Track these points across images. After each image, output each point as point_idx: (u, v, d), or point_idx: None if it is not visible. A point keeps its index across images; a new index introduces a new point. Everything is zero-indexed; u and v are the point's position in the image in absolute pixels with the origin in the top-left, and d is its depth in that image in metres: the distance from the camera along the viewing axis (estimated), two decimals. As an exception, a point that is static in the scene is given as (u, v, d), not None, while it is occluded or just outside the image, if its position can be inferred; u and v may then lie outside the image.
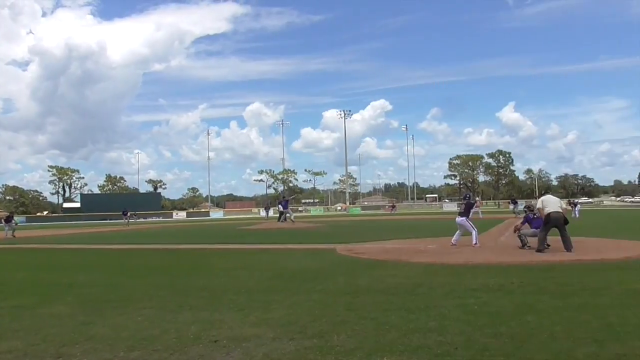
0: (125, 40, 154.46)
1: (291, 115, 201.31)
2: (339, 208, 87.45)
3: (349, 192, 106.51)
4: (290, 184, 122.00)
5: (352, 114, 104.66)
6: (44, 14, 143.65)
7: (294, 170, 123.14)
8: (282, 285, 8.61)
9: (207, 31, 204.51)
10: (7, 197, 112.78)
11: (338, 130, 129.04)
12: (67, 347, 5.11)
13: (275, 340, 5.08)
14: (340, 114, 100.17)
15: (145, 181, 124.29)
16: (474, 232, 13.71)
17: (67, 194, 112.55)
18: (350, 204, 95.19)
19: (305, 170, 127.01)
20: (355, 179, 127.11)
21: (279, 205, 29.79)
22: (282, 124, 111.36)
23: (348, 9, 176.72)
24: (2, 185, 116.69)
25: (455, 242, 13.88)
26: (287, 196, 28.96)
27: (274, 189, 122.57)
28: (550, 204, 12.20)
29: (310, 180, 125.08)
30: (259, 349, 4.80)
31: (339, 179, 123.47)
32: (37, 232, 36.24)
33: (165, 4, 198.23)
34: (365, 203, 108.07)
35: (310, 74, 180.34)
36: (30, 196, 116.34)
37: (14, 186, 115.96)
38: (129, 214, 48.27)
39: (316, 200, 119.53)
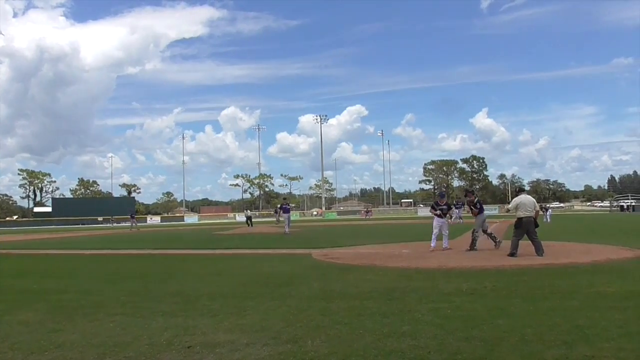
0: (99, 42, 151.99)
1: (267, 120, 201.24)
2: (315, 213, 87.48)
3: (325, 197, 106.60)
4: (266, 189, 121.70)
5: (328, 119, 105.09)
6: (15, 15, 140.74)
7: (270, 175, 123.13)
8: (257, 291, 8.57)
9: (183, 34, 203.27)
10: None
11: (314, 135, 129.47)
12: (36, 354, 5.00)
13: (249, 346, 5.05)
14: (317, 119, 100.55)
15: (119, 185, 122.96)
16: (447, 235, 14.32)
17: (38, 198, 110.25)
18: (326, 208, 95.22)
19: (282, 175, 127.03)
20: (332, 183, 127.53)
21: (280, 210, 30.26)
22: (259, 128, 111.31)
23: (324, 15, 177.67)
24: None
25: (447, 246, 14.54)
26: (286, 204, 29.14)
27: (250, 193, 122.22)
28: (525, 206, 12.19)
29: (286, 185, 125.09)
30: (232, 355, 4.77)
31: (315, 184, 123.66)
32: (7, 237, 35.35)
33: (140, 6, 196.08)
34: (341, 208, 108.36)
35: (286, 78, 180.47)
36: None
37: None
38: (135, 217, 47.88)
39: (292, 205, 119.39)
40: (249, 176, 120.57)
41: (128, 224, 47.82)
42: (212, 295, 8.21)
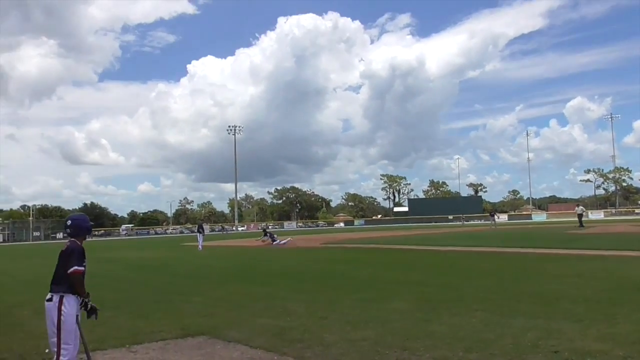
0: (442, 52, 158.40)
1: (620, 107, 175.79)
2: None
3: None
4: (624, 184, 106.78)
5: None
6: (371, 42, 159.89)
7: (627, 168, 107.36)
8: (626, 297, 7.68)
9: (522, 30, 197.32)
10: (349, 203, 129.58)
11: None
12: (411, 341, 5.61)
13: (627, 359, 4.57)
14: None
15: (466, 185, 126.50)
16: None
17: (396, 199, 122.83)
18: None
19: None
20: None
21: None
22: (611, 117, 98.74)
23: None
24: (345, 193, 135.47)
25: None
26: None
27: (604, 189, 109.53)
28: None
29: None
30: (606, 367, 4.40)
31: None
32: (374, 233, 40.57)
33: (478, 11, 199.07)
34: None
35: None
36: (367, 202, 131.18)
37: (354, 194, 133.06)
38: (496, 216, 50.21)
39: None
40: (602, 170, 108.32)
41: (485, 221, 49.14)
42: (573, 298, 7.74)
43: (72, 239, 4.47)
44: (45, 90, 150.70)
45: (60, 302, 4.22)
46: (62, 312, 4.20)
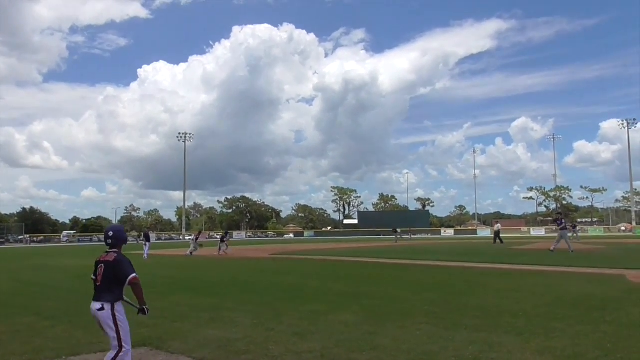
0: (394, 69, 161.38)
1: (562, 129, 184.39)
2: (623, 229, 76.67)
3: (635, 211, 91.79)
4: (564, 202, 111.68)
5: (636, 123, 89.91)
6: (326, 55, 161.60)
7: (567, 187, 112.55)
8: (564, 312, 7.97)
9: (471, 50, 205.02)
10: (300, 215, 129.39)
11: (619, 141, 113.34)
12: (356, 353, 5.64)
13: (561, 371, 4.74)
14: (622, 124, 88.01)
15: (414, 199, 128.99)
16: None
17: (346, 211, 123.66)
18: (636, 224, 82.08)
19: (581, 187, 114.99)
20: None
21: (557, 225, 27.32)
22: (553, 138, 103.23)
23: (627, 9, 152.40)
24: (296, 204, 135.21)
25: None
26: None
27: (545, 206, 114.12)
28: None
29: (587, 197, 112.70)
30: (543, 379, 4.55)
31: (622, 196, 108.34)
32: (323, 245, 40.63)
33: (430, 30, 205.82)
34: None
35: (583, 82, 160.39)
36: (317, 213, 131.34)
37: (304, 205, 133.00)
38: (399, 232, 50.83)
39: (594, 220, 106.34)
40: (544, 189, 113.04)
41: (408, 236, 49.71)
42: (514, 312, 7.98)
43: (114, 250, 4.65)
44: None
45: (113, 309, 4.48)
46: (118, 318, 4.47)
